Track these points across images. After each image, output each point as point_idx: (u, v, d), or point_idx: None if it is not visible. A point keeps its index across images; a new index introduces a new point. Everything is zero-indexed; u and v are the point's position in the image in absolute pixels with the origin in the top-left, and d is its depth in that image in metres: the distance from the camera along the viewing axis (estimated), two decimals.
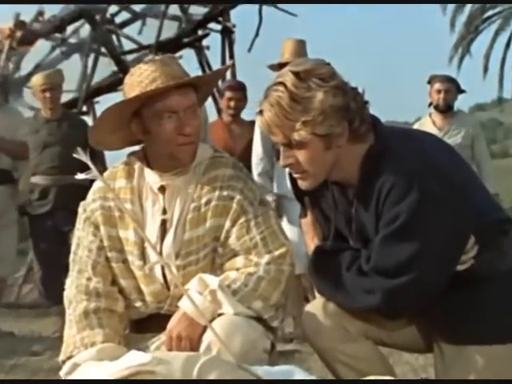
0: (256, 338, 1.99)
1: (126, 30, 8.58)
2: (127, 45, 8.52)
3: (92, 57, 7.82)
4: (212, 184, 2.13)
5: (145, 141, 2.16)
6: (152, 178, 2.16)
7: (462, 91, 5.01)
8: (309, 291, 4.51)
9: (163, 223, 2.14)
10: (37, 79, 4.99)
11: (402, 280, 1.88)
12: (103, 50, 7.73)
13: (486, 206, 1.99)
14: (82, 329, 2.12)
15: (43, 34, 7.64)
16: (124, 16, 8.60)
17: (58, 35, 8.19)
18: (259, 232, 2.09)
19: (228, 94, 4.82)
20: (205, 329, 1.97)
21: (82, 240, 2.20)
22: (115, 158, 2.34)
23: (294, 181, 2.08)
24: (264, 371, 1.79)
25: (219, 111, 5.23)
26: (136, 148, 2.25)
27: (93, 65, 7.72)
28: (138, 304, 2.17)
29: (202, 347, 1.97)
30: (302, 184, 1.99)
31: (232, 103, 4.82)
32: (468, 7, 17.62)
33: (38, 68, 7.57)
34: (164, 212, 2.14)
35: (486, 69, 19.18)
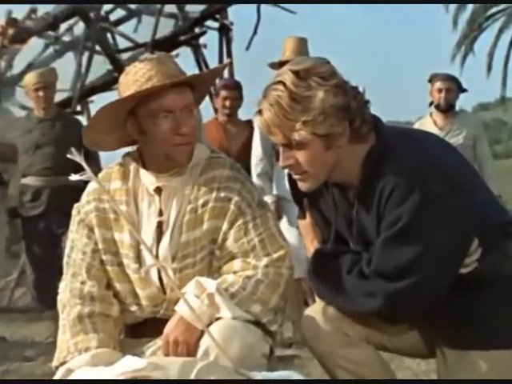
0: (254, 342, 1.99)
1: (121, 28, 8.58)
2: (122, 43, 8.51)
3: (86, 55, 7.81)
4: (209, 185, 2.13)
5: (140, 141, 2.16)
6: (148, 179, 2.16)
7: (464, 90, 5.00)
8: (308, 295, 4.51)
9: (159, 225, 2.14)
10: (30, 78, 4.98)
11: (404, 283, 1.88)
12: (98, 48, 7.73)
13: (490, 207, 1.99)
14: (76, 334, 2.12)
15: (36, 31, 7.63)
16: (119, 13, 8.61)
17: (51, 33, 8.19)
18: (257, 234, 2.10)
19: (223, 93, 4.82)
20: (202, 333, 1.97)
21: (76, 243, 2.20)
22: (110, 159, 2.34)
23: (292, 182, 2.08)
24: (263, 377, 1.79)
25: (216, 110, 5.22)
26: (131, 149, 2.25)
27: (87, 63, 7.72)
28: (134, 308, 2.17)
29: (200, 352, 1.97)
30: (302, 185, 1.99)
31: (227, 102, 4.82)
32: (471, 4, 17.65)
33: (30, 67, 7.56)
34: (160, 214, 2.15)
35: (489, 67, 19.22)
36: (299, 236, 2.59)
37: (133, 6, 8.54)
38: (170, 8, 8.27)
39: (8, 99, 6.75)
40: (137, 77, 2.07)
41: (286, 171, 2.07)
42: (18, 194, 4.98)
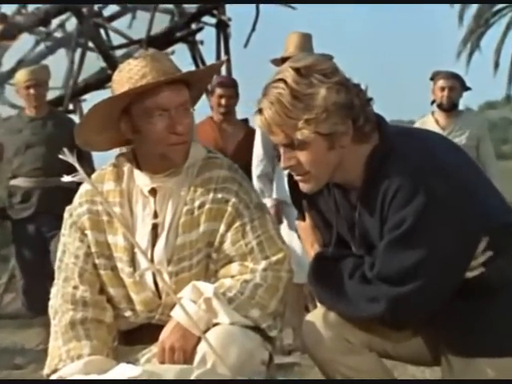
0: (253, 348, 1.99)
1: (115, 24, 8.58)
2: (116, 39, 8.52)
3: (79, 52, 7.81)
4: (206, 186, 2.13)
5: (134, 141, 2.16)
6: (142, 180, 2.17)
7: (468, 88, 4.99)
8: (309, 300, 4.51)
9: (154, 227, 2.14)
10: (21, 75, 4.98)
11: (408, 288, 1.88)
12: (90, 44, 7.73)
13: (497, 208, 1.99)
14: (68, 340, 2.12)
15: (26, 27, 7.62)
16: (113, 9, 8.61)
17: (42, 29, 8.19)
18: (255, 236, 2.10)
19: (219, 91, 4.80)
20: (199, 340, 1.98)
21: (69, 246, 2.20)
22: (105, 160, 2.34)
23: (292, 184, 2.09)
24: None
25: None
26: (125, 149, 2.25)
27: (79, 60, 7.71)
28: (128, 314, 2.17)
29: (196, 359, 1.97)
30: (304, 187, 2.00)
31: (223, 101, 4.80)
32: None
33: (20, 64, 7.56)
34: (155, 216, 2.15)
35: (496, 65, 19.24)
36: None
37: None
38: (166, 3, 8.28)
39: None
40: (131, 74, 2.08)
41: (286, 172, 2.07)
42: (6, 194, 4.97)
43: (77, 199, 2.23)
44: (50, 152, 4.68)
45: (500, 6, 18.29)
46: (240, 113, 5.07)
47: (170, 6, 8.30)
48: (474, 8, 18.04)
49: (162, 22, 8.28)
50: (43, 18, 7.55)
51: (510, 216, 2.01)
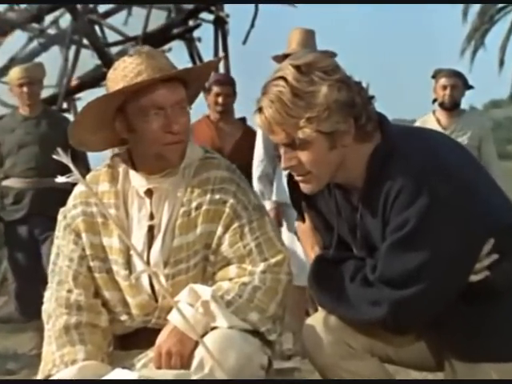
0: (252, 353, 1.99)
1: (110, 20, 8.58)
2: (111, 36, 8.52)
3: (73, 49, 7.81)
4: (203, 187, 2.13)
5: (130, 140, 2.16)
6: (138, 181, 2.17)
7: (470, 87, 4.98)
8: (309, 304, 4.51)
9: (150, 229, 2.15)
10: (14, 73, 4.98)
11: (411, 290, 1.89)
12: (85, 41, 7.73)
13: (501, 208, 1.99)
14: (62, 345, 2.12)
15: (19, 23, 7.63)
16: (108, 5, 8.61)
17: (35, 25, 8.19)
18: (254, 238, 2.10)
19: (215, 89, 4.80)
20: (196, 344, 1.98)
21: (63, 249, 2.20)
22: (101, 161, 2.34)
23: (292, 185, 2.09)
24: None
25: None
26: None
27: (74, 58, 7.71)
28: (124, 317, 2.17)
29: (194, 364, 1.97)
30: (305, 187, 2.00)
31: (220, 99, 4.80)
32: None
33: (13, 61, 7.56)
34: (151, 217, 2.15)
35: (501, 62, 19.24)
36: None
37: None
38: None
39: None
40: (126, 72, 2.08)
41: (285, 173, 2.07)
42: None
43: (71, 201, 2.23)
44: (44, 152, 4.68)
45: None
46: (238, 111, 5.07)
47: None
48: (478, 4, 18.05)
49: (158, 19, 8.28)
50: (36, 14, 7.55)
51: None
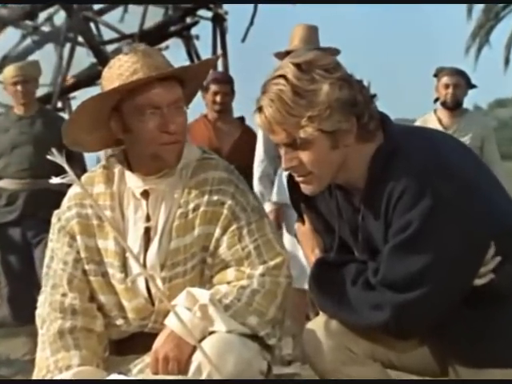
0: (251, 357, 2.00)
1: (106, 17, 8.59)
2: (107, 34, 8.53)
3: (68, 47, 7.83)
4: (200, 188, 2.13)
5: (125, 140, 2.16)
6: (134, 182, 2.17)
7: (473, 86, 4.98)
8: (309, 307, 4.50)
9: (147, 231, 2.15)
10: (8, 71, 4.98)
11: (414, 294, 1.89)
12: (80, 39, 7.74)
13: (505, 209, 1.99)
14: (57, 350, 2.12)
15: (12, 20, 7.63)
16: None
17: (29, 22, 8.19)
18: (252, 240, 2.10)
19: (213, 87, 4.79)
20: (194, 349, 1.98)
21: (57, 252, 2.20)
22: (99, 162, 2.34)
23: (292, 186, 2.09)
24: None
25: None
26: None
27: (69, 56, 7.73)
28: (120, 322, 2.17)
29: (191, 369, 1.97)
30: (306, 188, 2.00)
31: (218, 98, 4.79)
32: None
33: (5, 59, 7.57)
34: (147, 219, 2.15)
35: (507, 60, 19.22)
36: None
37: None
38: None
39: None
40: (121, 70, 2.08)
41: (286, 173, 2.07)
42: None
43: (65, 203, 2.23)
44: (38, 152, 4.67)
45: None
46: (236, 110, 5.08)
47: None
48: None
49: (155, 16, 8.29)
50: (30, 11, 7.55)
51: None
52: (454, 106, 4.89)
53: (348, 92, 1.90)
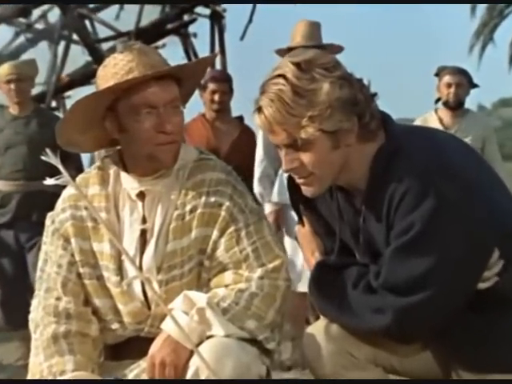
0: (250, 362, 1.99)
1: (101, 15, 8.59)
2: (102, 31, 8.53)
3: (62, 45, 7.83)
4: (197, 189, 2.13)
5: (121, 141, 2.16)
6: (129, 184, 2.17)
7: (475, 85, 4.99)
8: (309, 311, 4.51)
9: (143, 234, 2.15)
10: (2, 69, 4.98)
11: (417, 297, 1.89)
12: (75, 37, 7.74)
13: (509, 210, 1.99)
14: (50, 356, 2.12)
15: (5, 18, 7.63)
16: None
17: (22, 20, 8.19)
18: (251, 243, 2.10)
19: (211, 86, 4.79)
20: (191, 353, 1.98)
21: (51, 255, 2.20)
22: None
23: (292, 188, 2.09)
24: None
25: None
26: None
27: (63, 54, 7.73)
28: (115, 326, 2.17)
29: (189, 375, 1.97)
30: (307, 190, 2.00)
31: (216, 97, 4.79)
32: None
33: None
34: (143, 221, 2.15)
35: (511, 59, 19.22)
36: None
37: None
38: None
39: None
40: (116, 69, 2.08)
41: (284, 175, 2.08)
42: None
43: (59, 204, 2.23)
44: (33, 153, 4.67)
45: None
46: (234, 110, 5.07)
47: None
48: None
49: (151, 13, 8.29)
50: (23, 8, 7.55)
51: None
52: (456, 106, 4.90)
53: (349, 91, 1.90)
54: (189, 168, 2.17)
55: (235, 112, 5.09)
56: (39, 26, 8.54)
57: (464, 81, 4.88)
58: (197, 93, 3.72)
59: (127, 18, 8.28)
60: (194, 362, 1.96)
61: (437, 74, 4.95)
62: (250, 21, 8.44)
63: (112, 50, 7.28)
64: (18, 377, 3.47)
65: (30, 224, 4.68)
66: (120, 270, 2.14)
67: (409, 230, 1.88)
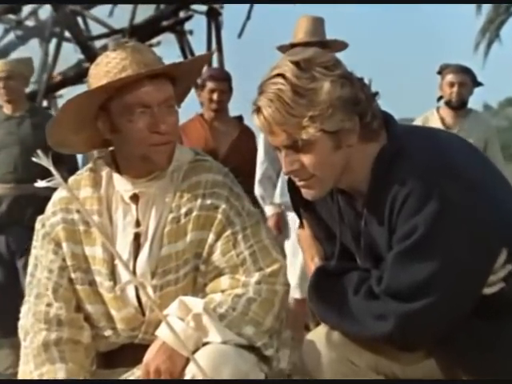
0: (248, 369, 2.00)
1: (94, 11, 8.59)
2: (95, 28, 8.53)
3: (54, 42, 7.83)
4: (193, 191, 2.14)
5: (114, 141, 2.16)
6: (123, 186, 2.17)
7: (479, 84, 4.98)
8: (309, 317, 4.51)
9: (136, 237, 2.15)
10: None
11: (420, 303, 1.89)
12: (67, 34, 7.74)
13: None
14: (41, 364, 2.12)
15: None
16: None
17: (12, 16, 8.19)
18: (248, 246, 2.11)
19: (210, 84, 4.79)
20: (187, 361, 1.98)
21: (41, 260, 2.20)
22: None
23: (292, 190, 2.09)
24: None
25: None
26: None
27: (55, 52, 7.73)
28: (108, 333, 2.17)
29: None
30: (308, 193, 2.00)
31: (215, 96, 4.79)
32: None
33: None
34: (137, 224, 2.15)
35: None
36: None
37: None
38: None
39: None
40: (109, 68, 2.08)
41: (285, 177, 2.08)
42: None
43: (50, 208, 2.23)
44: (26, 154, 4.66)
45: None
46: (232, 109, 5.07)
47: None
48: None
49: (146, 10, 8.29)
50: (13, 4, 7.54)
51: None
52: (459, 106, 4.89)
53: (350, 90, 1.91)
54: (184, 169, 2.17)
55: (233, 112, 5.09)
56: (30, 22, 8.54)
57: (467, 80, 4.87)
58: (193, 92, 3.71)
59: (121, 15, 8.29)
60: (190, 370, 1.96)
61: (439, 72, 4.94)
62: (248, 18, 8.45)
63: (105, 47, 7.28)
64: None
65: (21, 228, 4.67)
66: (113, 275, 2.14)
67: (412, 234, 1.88)
